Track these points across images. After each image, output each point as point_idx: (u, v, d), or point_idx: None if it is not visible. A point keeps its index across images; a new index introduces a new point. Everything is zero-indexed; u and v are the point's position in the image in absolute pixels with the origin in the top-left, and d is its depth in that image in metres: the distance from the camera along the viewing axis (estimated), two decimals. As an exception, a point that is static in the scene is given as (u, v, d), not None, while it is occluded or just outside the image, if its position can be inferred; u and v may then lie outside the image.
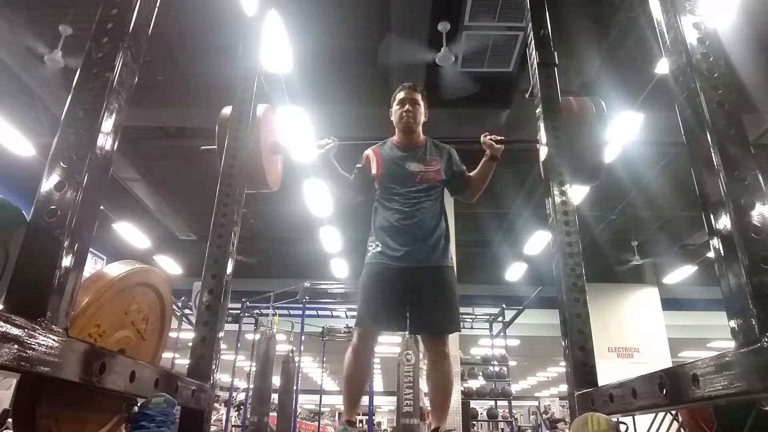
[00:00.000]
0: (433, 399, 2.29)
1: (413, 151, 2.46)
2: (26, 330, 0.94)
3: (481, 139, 2.46)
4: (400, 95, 2.49)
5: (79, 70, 1.31)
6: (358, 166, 2.51)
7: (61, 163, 1.18)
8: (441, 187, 2.43)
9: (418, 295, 2.25)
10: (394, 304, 2.25)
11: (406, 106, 2.45)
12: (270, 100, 5.21)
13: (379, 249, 2.30)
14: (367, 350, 2.25)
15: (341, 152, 2.53)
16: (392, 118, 2.53)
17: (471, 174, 2.51)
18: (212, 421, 2.89)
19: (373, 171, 2.45)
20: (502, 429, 10.78)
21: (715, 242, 1.17)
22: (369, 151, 2.53)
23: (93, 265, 8.97)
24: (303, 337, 9.18)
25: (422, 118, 2.50)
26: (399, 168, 2.40)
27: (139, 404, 1.35)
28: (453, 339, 7.29)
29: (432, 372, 2.28)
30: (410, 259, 2.24)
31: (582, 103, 2.63)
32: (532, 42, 2.72)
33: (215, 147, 2.69)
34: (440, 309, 2.25)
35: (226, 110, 2.74)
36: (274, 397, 8.94)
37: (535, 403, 18.55)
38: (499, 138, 2.44)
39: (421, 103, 2.50)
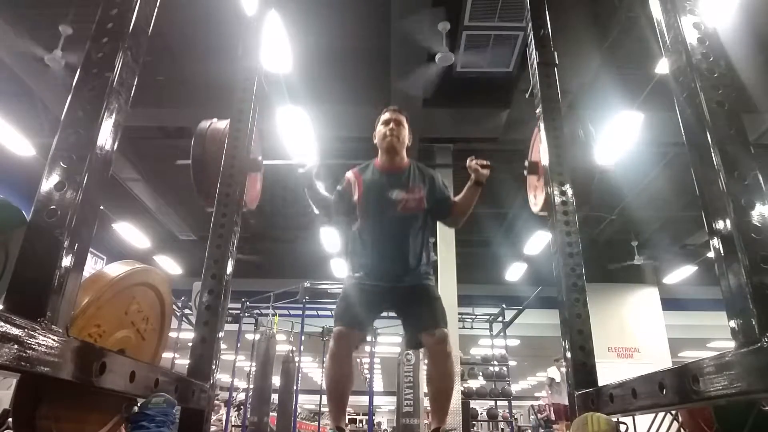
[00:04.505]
0: (434, 400, 2.22)
1: (396, 177, 2.34)
2: (26, 330, 0.94)
3: (467, 163, 2.34)
4: (385, 116, 2.41)
5: (79, 70, 1.31)
6: (338, 188, 2.40)
7: (61, 163, 1.18)
8: (424, 217, 2.33)
9: (402, 302, 2.23)
10: (375, 304, 2.22)
11: (391, 125, 2.35)
12: (270, 100, 5.22)
13: (359, 275, 2.26)
14: (345, 355, 2.15)
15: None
16: (375, 140, 2.43)
17: (456, 199, 2.40)
18: (212, 421, 2.89)
19: (354, 197, 2.34)
20: (502, 429, 10.78)
21: (715, 242, 1.17)
22: (350, 175, 2.41)
23: (93, 265, 8.97)
24: (303, 337, 9.17)
25: (406, 141, 2.40)
26: (381, 196, 2.28)
27: (139, 404, 1.35)
28: (453, 339, 7.30)
29: (434, 372, 2.18)
30: (391, 283, 2.22)
31: (569, 128, 2.61)
32: (532, 42, 2.72)
33: (190, 162, 2.64)
34: (427, 308, 2.21)
35: (204, 124, 2.69)
36: (274, 397, 8.95)
37: (536, 402, 18.54)
38: (485, 162, 2.33)
39: (406, 126, 2.40)
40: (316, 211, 2.44)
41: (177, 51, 5.95)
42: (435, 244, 2.50)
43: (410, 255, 2.23)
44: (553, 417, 9.09)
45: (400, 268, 2.22)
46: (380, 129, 2.39)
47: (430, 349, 2.17)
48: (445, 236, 7.26)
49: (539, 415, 10.20)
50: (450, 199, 2.41)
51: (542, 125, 2.52)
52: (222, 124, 2.70)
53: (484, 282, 11.55)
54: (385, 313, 2.48)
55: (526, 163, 2.71)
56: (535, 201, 2.70)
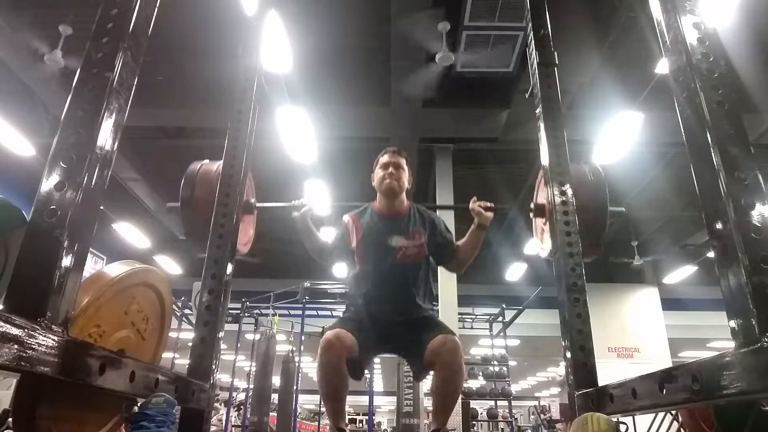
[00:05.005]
0: (437, 404, 2.06)
1: (396, 222, 2.25)
2: (26, 330, 0.94)
3: (470, 205, 2.28)
4: (384, 159, 2.29)
5: (79, 70, 1.31)
6: (335, 233, 2.34)
7: (61, 163, 1.19)
8: (425, 264, 2.25)
9: (402, 332, 2.14)
10: (374, 332, 2.11)
11: (390, 169, 2.24)
12: (270, 100, 5.23)
13: (358, 311, 2.21)
14: (335, 363, 1.95)
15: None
16: (374, 183, 2.31)
17: (459, 243, 2.32)
18: (212, 421, 2.89)
19: (352, 244, 2.26)
20: (502, 429, 10.78)
21: (715, 242, 1.17)
22: (348, 219, 2.32)
23: (93, 265, 8.97)
24: (303, 337, 9.17)
25: (406, 184, 2.29)
26: (379, 242, 2.20)
27: (139, 404, 1.35)
28: (453, 339, 7.34)
29: (442, 384, 2.00)
30: (391, 320, 2.16)
31: (578, 169, 2.51)
32: (532, 42, 2.72)
33: (179, 204, 2.56)
34: (431, 327, 2.11)
35: (194, 166, 2.61)
36: (274, 397, 8.96)
37: (536, 402, 18.55)
38: (488, 205, 2.27)
39: (406, 168, 2.29)
40: (313, 255, 2.36)
41: (177, 51, 5.94)
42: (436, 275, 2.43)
43: (411, 301, 2.16)
44: (557, 416, 9.07)
45: (400, 314, 2.16)
46: (378, 172, 2.28)
47: (440, 360, 1.97)
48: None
49: (542, 415, 10.20)
50: (452, 244, 2.32)
51: (542, 125, 2.52)
52: (213, 166, 2.59)
53: (484, 282, 11.55)
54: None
55: (532, 206, 2.60)
56: (543, 245, 2.57)
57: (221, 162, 2.53)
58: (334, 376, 1.96)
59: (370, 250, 2.22)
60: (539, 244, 2.66)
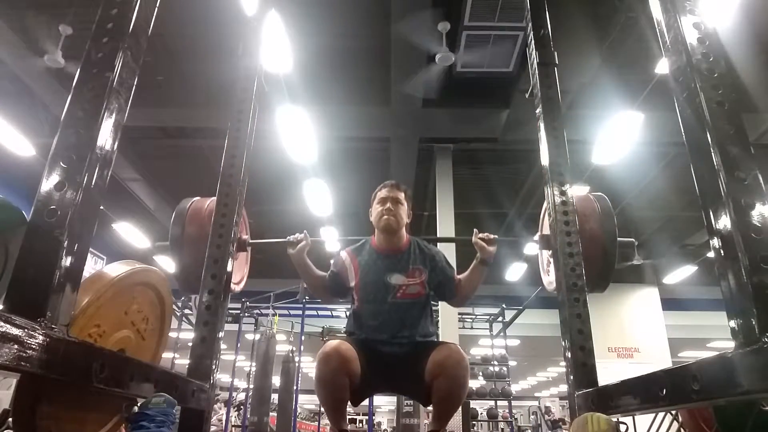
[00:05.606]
0: (439, 411, 1.95)
1: (395, 259, 2.17)
2: (26, 330, 0.94)
3: (473, 239, 2.21)
4: (382, 193, 2.21)
5: (79, 70, 1.31)
6: (332, 270, 2.29)
7: (61, 163, 1.19)
8: (425, 302, 2.19)
9: (401, 363, 2.06)
10: (377, 366, 2.02)
11: (387, 205, 2.16)
12: (270, 100, 5.23)
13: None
14: (331, 378, 1.85)
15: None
16: (371, 218, 2.24)
17: (461, 277, 2.25)
18: (212, 421, 2.89)
19: (351, 283, 2.20)
20: (502, 429, 10.78)
21: (715, 242, 1.17)
22: (345, 256, 2.26)
23: (93, 265, 8.97)
24: (303, 337, 9.18)
25: (405, 219, 2.21)
26: (378, 280, 2.13)
27: (139, 404, 1.36)
28: (453, 339, 7.31)
29: (446, 394, 1.90)
30: (390, 358, 2.09)
31: (585, 201, 2.46)
32: (532, 42, 2.72)
33: (168, 243, 2.50)
34: (432, 342, 2.08)
35: (184, 203, 2.57)
36: (274, 397, 8.96)
37: (535, 403, 18.56)
38: (492, 237, 2.20)
39: (405, 203, 2.21)
40: (310, 291, 2.30)
41: (177, 51, 5.94)
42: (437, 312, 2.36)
43: (411, 339, 2.11)
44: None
45: (400, 351, 2.09)
46: (376, 208, 2.21)
47: (446, 372, 1.87)
48: (445, 236, 7.26)
49: (546, 416, 10.16)
50: (454, 280, 2.24)
51: (542, 125, 2.52)
52: (204, 203, 2.54)
53: (484, 282, 11.51)
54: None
55: (537, 238, 2.54)
56: (549, 278, 2.48)
57: (213, 198, 2.48)
58: (333, 390, 1.88)
59: (369, 288, 2.15)
60: (546, 278, 2.58)
